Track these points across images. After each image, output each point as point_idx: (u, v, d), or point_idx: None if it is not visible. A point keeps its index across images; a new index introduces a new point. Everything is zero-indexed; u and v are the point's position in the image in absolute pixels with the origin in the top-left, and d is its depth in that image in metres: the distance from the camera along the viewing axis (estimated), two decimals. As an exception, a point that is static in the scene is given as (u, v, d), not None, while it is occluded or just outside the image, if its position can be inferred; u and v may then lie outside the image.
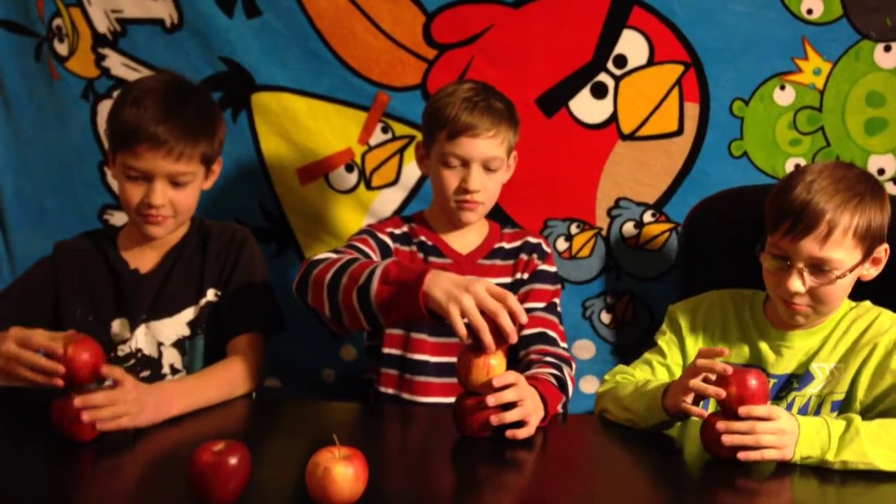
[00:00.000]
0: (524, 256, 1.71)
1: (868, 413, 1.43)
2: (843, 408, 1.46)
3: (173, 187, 1.55)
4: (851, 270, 1.42)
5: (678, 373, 1.54)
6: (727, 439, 1.25)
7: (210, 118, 1.61)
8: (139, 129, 1.50)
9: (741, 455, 1.25)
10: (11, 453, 1.27)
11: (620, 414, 1.46)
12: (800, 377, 1.49)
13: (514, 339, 1.27)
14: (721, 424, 1.26)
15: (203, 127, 1.57)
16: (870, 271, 1.47)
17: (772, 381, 1.49)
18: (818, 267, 1.41)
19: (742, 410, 1.27)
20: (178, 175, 1.54)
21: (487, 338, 1.26)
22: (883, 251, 1.47)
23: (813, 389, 1.47)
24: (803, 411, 1.47)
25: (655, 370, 1.56)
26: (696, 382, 1.30)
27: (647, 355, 1.60)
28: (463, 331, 1.26)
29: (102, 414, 1.26)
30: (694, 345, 1.57)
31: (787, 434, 1.27)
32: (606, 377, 1.59)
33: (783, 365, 1.50)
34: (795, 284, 1.42)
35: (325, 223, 2.06)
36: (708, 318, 1.59)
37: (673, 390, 1.36)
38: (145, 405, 1.32)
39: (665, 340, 1.60)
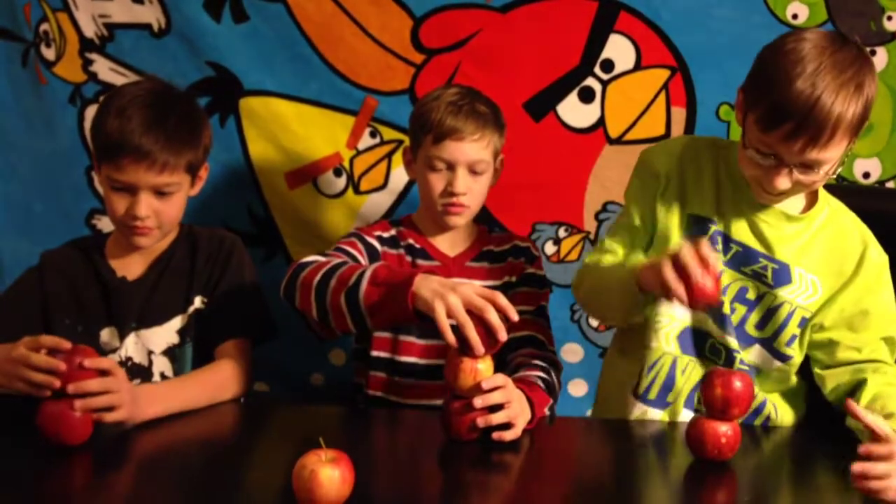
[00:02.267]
0: (512, 260, 1.71)
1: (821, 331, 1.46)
2: (806, 325, 1.45)
3: (158, 198, 1.53)
4: (839, 160, 1.36)
5: (645, 242, 1.52)
6: (861, 486, 1.14)
7: (195, 126, 1.58)
8: (122, 142, 1.48)
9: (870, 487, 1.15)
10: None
11: (593, 298, 1.49)
12: (776, 270, 1.45)
13: (502, 335, 1.27)
14: (857, 468, 1.13)
15: (188, 136, 1.55)
16: None
17: (734, 248, 1.46)
18: (810, 166, 1.34)
19: (863, 450, 1.14)
20: (162, 186, 1.52)
21: (472, 335, 1.26)
22: None
23: (786, 294, 1.45)
24: (772, 313, 1.45)
25: (619, 252, 1.52)
26: (670, 274, 1.25)
27: (617, 227, 1.56)
28: (446, 326, 1.26)
29: (98, 402, 1.25)
30: (665, 195, 1.50)
31: None
32: (586, 260, 1.56)
33: (748, 236, 1.46)
34: (783, 183, 1.36)
35: (313, 228, 2.06)
36: (684, 163, 1.51)
37: (650, 267, 1.32)
38: (135, 401, 1.31)
39: (632, 197, 1.55)
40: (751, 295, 1.47)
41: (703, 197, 1.49)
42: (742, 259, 1.47)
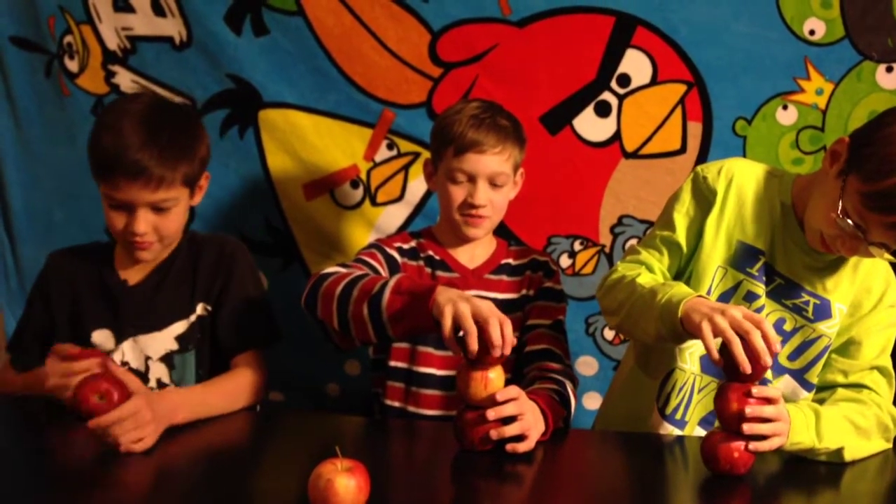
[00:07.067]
0: (530, 274, 1.71)
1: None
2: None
3: (156, 213, 1.52)
4: None
5: (684, 261, 1.48)
6: (746, 428, 1.22)
7: (190, 139, 1.56)
8: (116, 161, 1.47)
9: (753, 446, 1.23)
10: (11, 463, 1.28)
11: (626, 318, 1.42)
12: (818, 306, 1.45)
13: (497, 352, 1.27)
14: (749, 410, 1.22)
15: (182, 150, 1.53)
16: None
17: (777, 281, 1.45)
18: (888, 247, 1.31)
19: (755, 392, 1.23)
20: (160, 202, 1.51)
21: (473, 343, 1.26)
22: None
23: (825, 328, 1.46)
24: (807, 345, 1.47)
25: (655, 268, 1.47)
26: (728, 331, 1.21)
27: (656, 240, 1.50)
28: (449, 330, 1.27)
29: (122, 448, 1.26)
30: (718, 217, 1.46)
31: (786, 419, 1.27)
32: (619, 268, 1.49)
33: (792, 270, 1.45)
34: (858, 251, 1.34)
35: (330, 239, 2.07)
36: (741, 188, 1.47)
37: (697, 312, 1.26)
38: (160, 419, 1.32)
39: (682, 212, 1.49)
40: (787, 326, 1.47)
41: (757, 226, 1.46)
42: (784, 292, 1.47)
